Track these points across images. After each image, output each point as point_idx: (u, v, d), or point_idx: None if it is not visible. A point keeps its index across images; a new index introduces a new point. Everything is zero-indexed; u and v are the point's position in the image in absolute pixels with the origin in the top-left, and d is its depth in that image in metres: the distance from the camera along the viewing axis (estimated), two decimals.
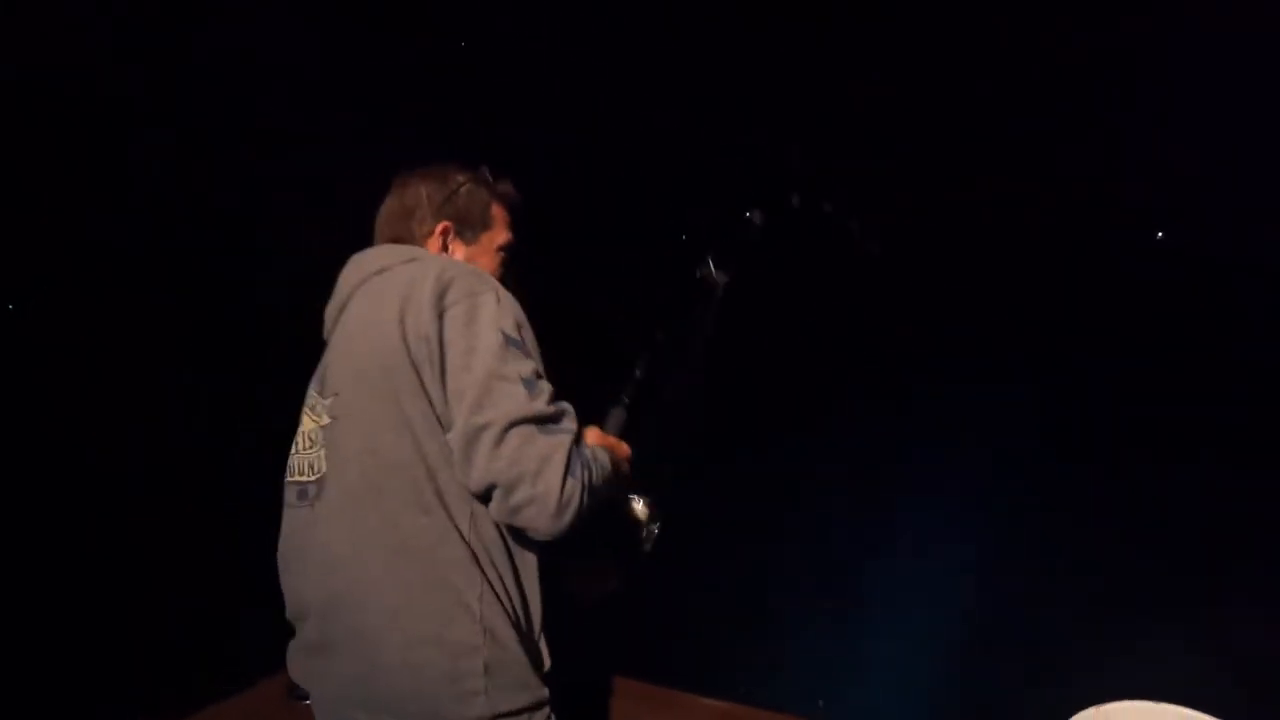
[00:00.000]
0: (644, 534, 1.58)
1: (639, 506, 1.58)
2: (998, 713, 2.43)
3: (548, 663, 1.31)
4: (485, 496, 1.18)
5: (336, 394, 1.28)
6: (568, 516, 1.15)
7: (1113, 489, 4.36)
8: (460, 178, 1.47)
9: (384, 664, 1.20)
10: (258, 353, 2.18)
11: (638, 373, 1.73)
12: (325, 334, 1.41)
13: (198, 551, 2.20)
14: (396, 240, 1.44)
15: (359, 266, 1.38)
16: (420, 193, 1.45)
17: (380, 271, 1.33)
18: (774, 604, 3.45)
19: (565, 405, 1.24)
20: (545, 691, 1.28)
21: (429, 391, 1.21)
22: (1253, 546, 3.66)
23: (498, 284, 1.28)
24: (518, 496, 1.14)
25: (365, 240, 1.48)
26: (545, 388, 1.21)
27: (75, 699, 2.17)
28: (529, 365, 1.21)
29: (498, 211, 1.50)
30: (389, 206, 1.47)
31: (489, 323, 1.21)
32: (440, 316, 1.21)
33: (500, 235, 1.50)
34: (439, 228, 1.44)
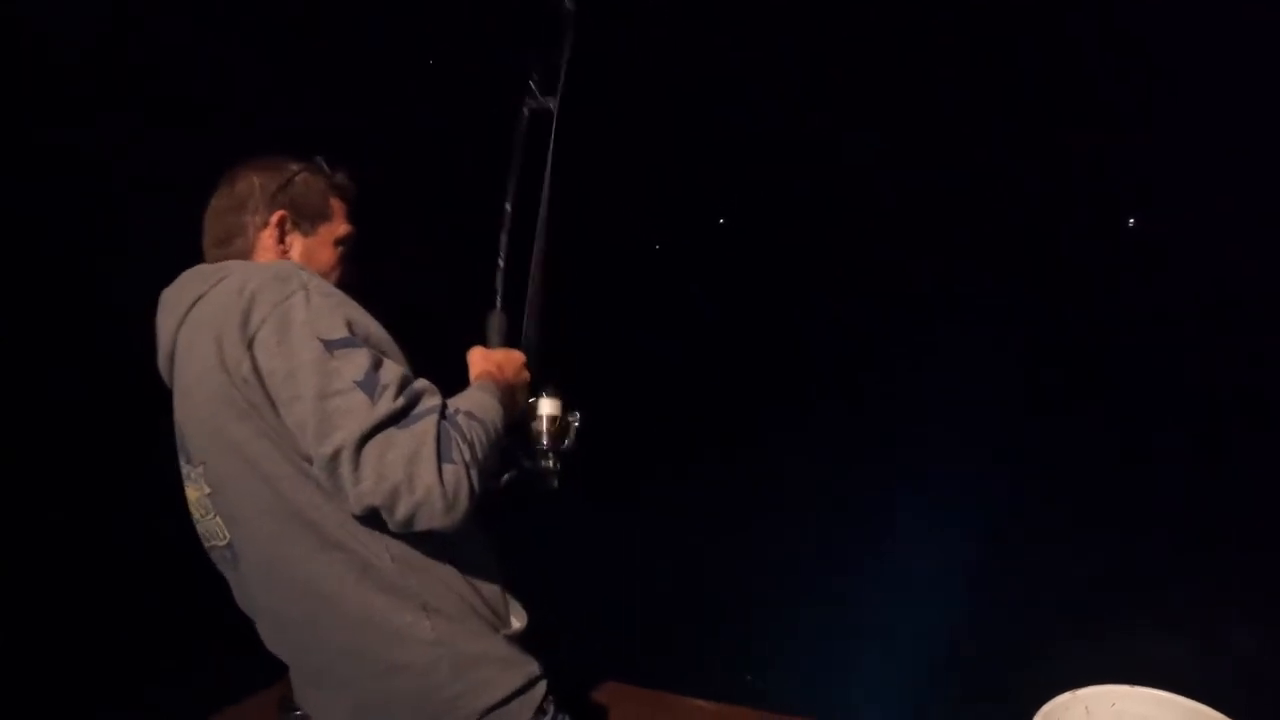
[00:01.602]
0: (563, 428, 1.45)
1: (548, 405, 1.45)
2: (976, 700, 2.46)
3: (520, 622, 1.28)
4: (377, 517, 1.09)
5: (204, 462, 1.20)
6: (462, 504, 1.07)
7: (1098, 482, 4.43)
8: (294, 166, 1.35)
9: (363, 700, 1.21)
10: None
11: (500, 261, 1.56)
12: (167, 385, 1.29)
13: (187, 566, 2.18)
14: (226, 238, 1.31)
15: (172, 307, 1.25)
16: (252, 182, 1.32)
17: (194, 304, 1.20)
18: (762, 604, 3.48)
19: (418, 385, 1.13)
20: (533, 667, 1.26)
21: (277, 433, 1.12)
22: (1230, 537, 3.75)
23: (309, 277, 1.15)
24: (401, 511, 1.04)
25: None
26: (389, 377, 1.09)
27: (66, 713, 2.15)
28: (360, 361, 1.08)
29: (335, 203, 1.38)
30: (218, 200, 1.34)
31: (302, 334, 1.08)
32: (250, 346, 1.10)
33: (339, 227, 1.38)
34: (274, 217, 1.31)
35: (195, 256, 1.34)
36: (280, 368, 1.08)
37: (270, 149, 1.38)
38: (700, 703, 1.96)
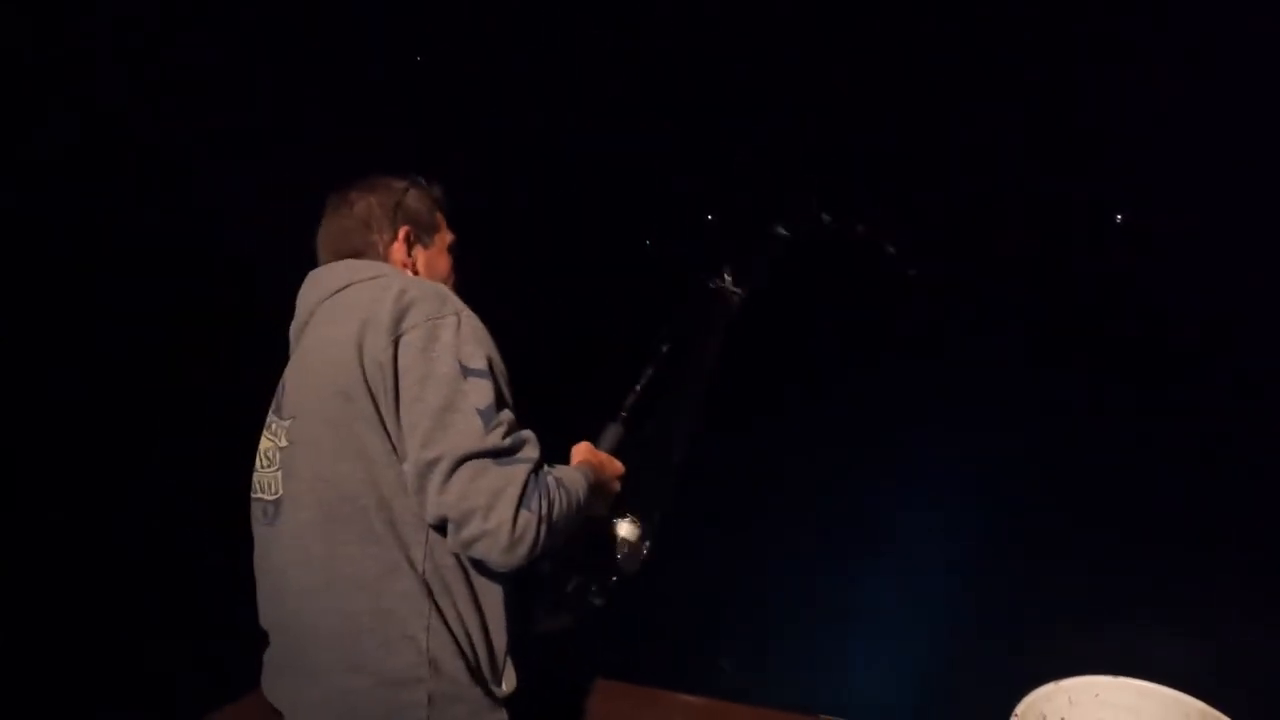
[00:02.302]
0: (629, 553, 1.53)
1: (626, 527, 1.53)
2: (962, 691, 2.45)
3: (509, 687, 1.30)
4: (441, 528, 1.17)
5: (294, 417, 1.26)
6: (522, 550, 1.13)
7: (1082, 476, 4.41)
8: (401, 184, 1.46)
9: (325, 691, 1.22)
10: (240, 353, 2.18)
11: (638, 386, 1.68)
12: (291, 351, 1.39)
13: (184, 562, 2.21)
14: (353, 255, 1.40)
15: (318, 284, 1.35)
16: (370, 202, 1.42)
17: (342, 289, 1.30)
18: (753, 599, 3.47)
19: (525, 434, 1.21)
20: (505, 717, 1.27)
21: (385, 420, 1.19)
22: (1226, 534, 3.72)
23: (462, 306, 1.25)
24: (468, 531, 1.12)
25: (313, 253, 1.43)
26: (505, 417, 1.18)
27: (65, 713, 2.17)
28: (487, 394, 1.17)
29: (439, 214, 1.50)
30: (338, 224, 1.43)
31: (446, 350, 1.17)
32: (396, 342, 1.18)
33: (447, 235, 1.50)
34: (402, 233, 1.42)
35: (197, 255, 1.39)
36: (416, 369, 1.17)
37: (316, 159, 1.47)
38: (689, 698, 1.97)
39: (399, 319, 1.19)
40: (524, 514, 1.12)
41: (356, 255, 1.40)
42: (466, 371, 1.16)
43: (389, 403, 1.18)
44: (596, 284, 4.09)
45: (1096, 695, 1.47)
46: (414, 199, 1.45)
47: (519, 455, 1.17)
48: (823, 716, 1.80)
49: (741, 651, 2.88)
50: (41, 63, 2.28)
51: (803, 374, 6.65)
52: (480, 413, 1.14)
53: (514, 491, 1.12)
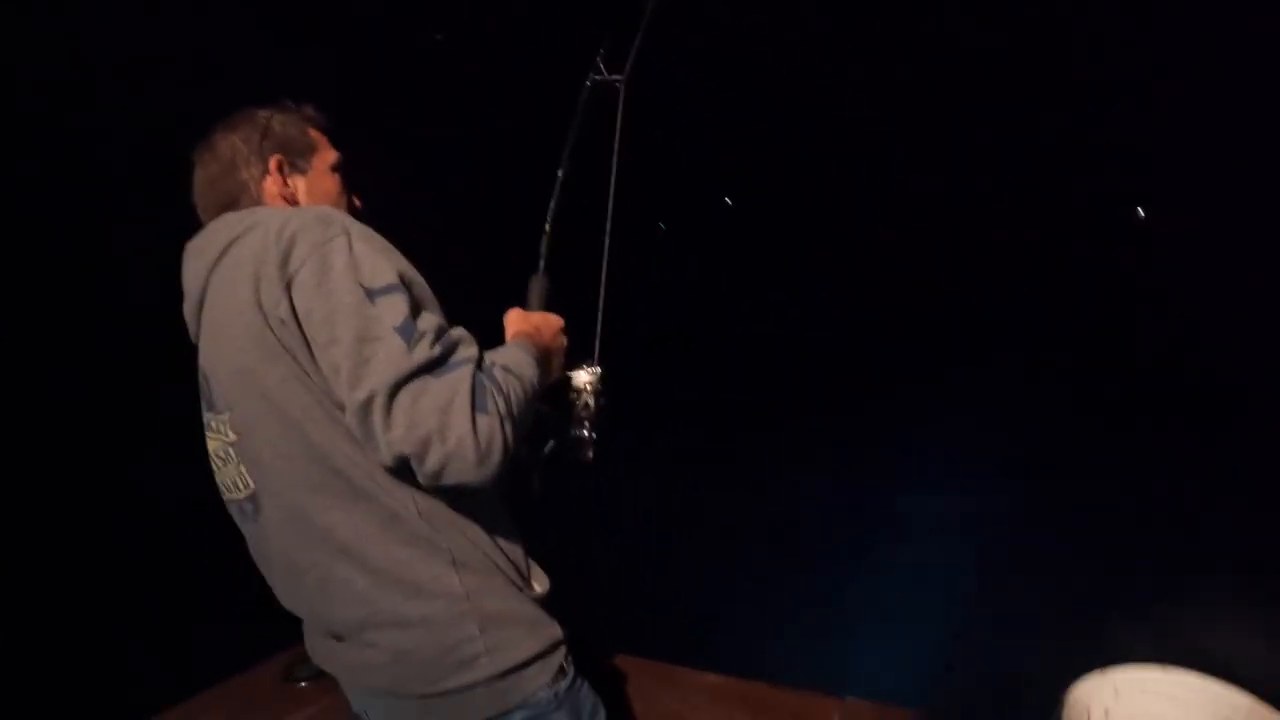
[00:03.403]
0: (593, 403, 1.45)
1: (583, 375, 1.44)
2: (1009, 676, 2.43)
3: (543, 587, 1.27)
4: (405, 468, 1.06)
5: (230, 409, 1.18)
6: (495, 458, 1.04)
7: (1131, 462, 4.37)
8: (264, 112, 1.33)
9: (379, 654, 1.17)
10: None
11: (548, 226, 1.55)
12: (192, 337, 1.28)
13: (191, 535, 2.18)
14: (229, 203, 1.29)
15: (200, 255, 1.23)
16: (233, 141, 1.30)
17: (224, 252, 1.18)
18: (778, 580, 3.45)
19: (456, 333, 1.11)
20: (556, 630, 1.24)
21: (309, 377, 1.10)
22: (1267, 518, 3.67)
23: (348, 220, 1.13)
24: (431, 461, 1.02)
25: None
26: (428, 324, 1.07)
27: (74, 681, 2.16)
28: (400, 307, 1.06)
29: (314, 133, 1.36)
30: (205, 170, 1.31)
31: (343, 276, 1.06)
32: (289, 287, 1.08)
33: (328, 154, 1.36)
34: (273, 164, 1.30)
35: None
36: (318, 309, 1.06)
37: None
38: (708, 675, 1.94)
39: (285, 260, 1.08)
40: (482, 419, 1.03)
41: (232, 202, 1.29)
42: (371, 293, 1.06)
43: (307, 355, 1.09)
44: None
45: (1143, 686, 1.43)
46: (280, 124, 1.32)
47: (455, 358, 1.07)
48: (849, 698, 1.76)
49: (765, 631, 2.84)
50: (41, 65, 2.23)
51: (823, 368, 6.66)
52: (399, 330, 1.04)
53: (463, 400, 1.02)
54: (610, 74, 1.61)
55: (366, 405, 1.02)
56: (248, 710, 1.99)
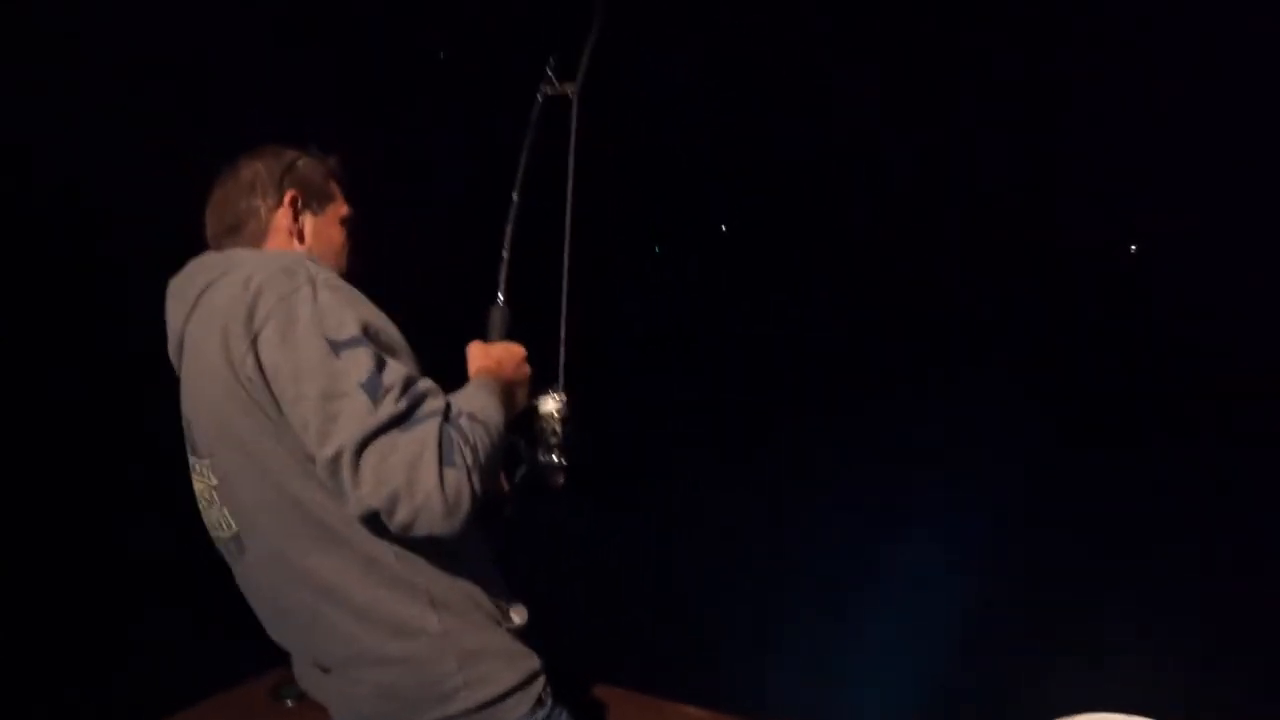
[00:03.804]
0: (560, 429, 1.43)
1: (552, 402, 1.43)
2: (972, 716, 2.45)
3: (521, 619, 1.29)
4: (377, 519, 1.08)
5: (211, 455, 1.20)
6: (463, 510, 1.05)
7: (1098, 502, 4.39)
8: (293, 152, 1.37)
9: (362, 689, 1.22)
10: None
11: (505, 254, 1.51)
12: (177, 372, 1.30)
13: (181, 550, 2.20)
14: (235, 225, 1.32)
15: (181, 296, 1.25)
16: (256, 168, 1.33)
17: (199, 298, 1.20)
18: (761, 612, 3.47)
19: (421, 387, 1.10)
20: (535, 661, 1.27)
21: (281, 431, 1.11)
22: (1240, 568, 3.69)
23: (317, 270, 1.14)
24: (400, 515, 1.03)
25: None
26: (393, 378, 1.07)
27: (63, 696, 2.18)
28: (365, 362, 1.06)
29: (334, 185, 1.39)
30: (222, 189, 1.34)
31: (308, 330, 1.07)
32: (255, 343, 1.09)
33: (341, 208, 1.40)
34: (287, 197, 1.32)
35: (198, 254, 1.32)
36: (285, 366, 1.08)
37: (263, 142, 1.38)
38: (692, 709, 1.95)
39: (251, 315, 1.09)
40: (449, 473, 1.04)
41: (237, 225, 1.31)
42: (336, 346, 1.06)
43: (277, 410, 1.10)
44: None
45: None
46: (305, 165, 1.36)
47: (421, 412, 1.07)
48: None
49: (748, 662, 2.86)
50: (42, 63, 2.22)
51: (822, 369, 6.66)
52: (364, 386, 1.04)
53: (430, 455, 1.03)
54: (561, 84, 1.55)
55: (334, 461, 1.04)
56: None
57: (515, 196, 1.55)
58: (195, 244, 1.32)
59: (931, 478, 4.44)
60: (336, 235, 1.38)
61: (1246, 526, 3.89)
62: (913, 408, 5.70)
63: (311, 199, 1.35)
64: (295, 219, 1.32)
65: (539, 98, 1.56)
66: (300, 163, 1.35)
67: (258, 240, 1.31)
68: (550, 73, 1.55)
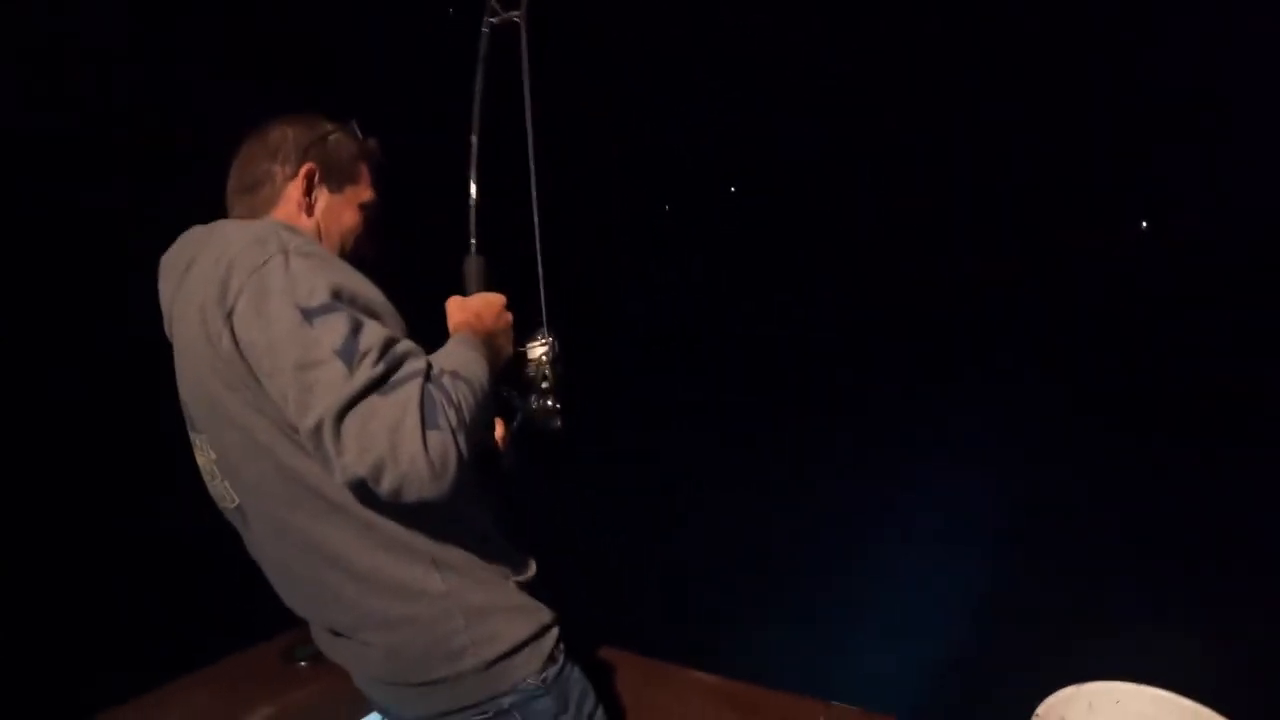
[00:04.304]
0: (550, 372, 1.42)
1: (539, 348, 1.42)
2: (980, 691, 2.47)
3: (529, 572, 1.30)
4: (365, 486, 1.04)
5: (205, 430, 1.20)
6: (450, 473, 1.02)
7: (1103, 480, 4.41)
8: (329, 125, 1.34)
9: (374, 651, 1.24)
10: None
11: (472, 202, 1.46)
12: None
13: (194, 516, 2.22)
14: (251, 186, 1.30)
15: (169, 273, 1.24)
16: (286, 133, 1.30)
17: (184, 275, 1.18)
18: (772, 582, 3.49)
19: (401, 348, 1.07)
20: (544, 614, 1.27)
21: (266, 404, 1.10)
22: (1243, 539, 3.72)
23: (290, 238, 1.12)
24: (387, 482, 1.00)
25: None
26: (370, 341, 1.04)
27: (74, 658, 2.20)
28: (340, 328, 1.04)
29: (364, 168, 1.36)
30: (248, 147, 1.31)
31: (280, 301, 1.05)
32: (229, 319, 1.07)
33: (365, 192, 1.36)
34: (304, 169, 1.29)
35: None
36: (259, 340, 1.06)
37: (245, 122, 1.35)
38: (703, 675, 1.96)
39: (224, 291, 1.08)
40: (433, 436, 1.01)
41: (253, 186, 1.30)
42: (309, 314, 1.04)
43: (257, 385, 1.09)
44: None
45: (1117, 702, 1.46)
46: (336, 141, 1.32)
47: (400, 374, 1.04)
48: (835, 704, 1.79)
49: (758, 634, 2.88)
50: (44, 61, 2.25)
51: (826, 368, 6.68)
52: (339, 352, 1.02)
53: (413, 419, 1.00)
54: (506, 10, 1.47)
55: (316, 432, 1.01)
56: (248, 688, 2.03)
57: (474, 139, 1.46)
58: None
59: (931, 477, 4.47)
60: (350, 218, 1.34)
61: (1247, 525, 3.92)
62: (915, 406, 5.74)
63: (331, 176, 1.32)
64: (308, 193, 1.30)
65: (484, 29, 1.48)
66: (332, 138, 1.32)
67: (269, 205, 1.29)
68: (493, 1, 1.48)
